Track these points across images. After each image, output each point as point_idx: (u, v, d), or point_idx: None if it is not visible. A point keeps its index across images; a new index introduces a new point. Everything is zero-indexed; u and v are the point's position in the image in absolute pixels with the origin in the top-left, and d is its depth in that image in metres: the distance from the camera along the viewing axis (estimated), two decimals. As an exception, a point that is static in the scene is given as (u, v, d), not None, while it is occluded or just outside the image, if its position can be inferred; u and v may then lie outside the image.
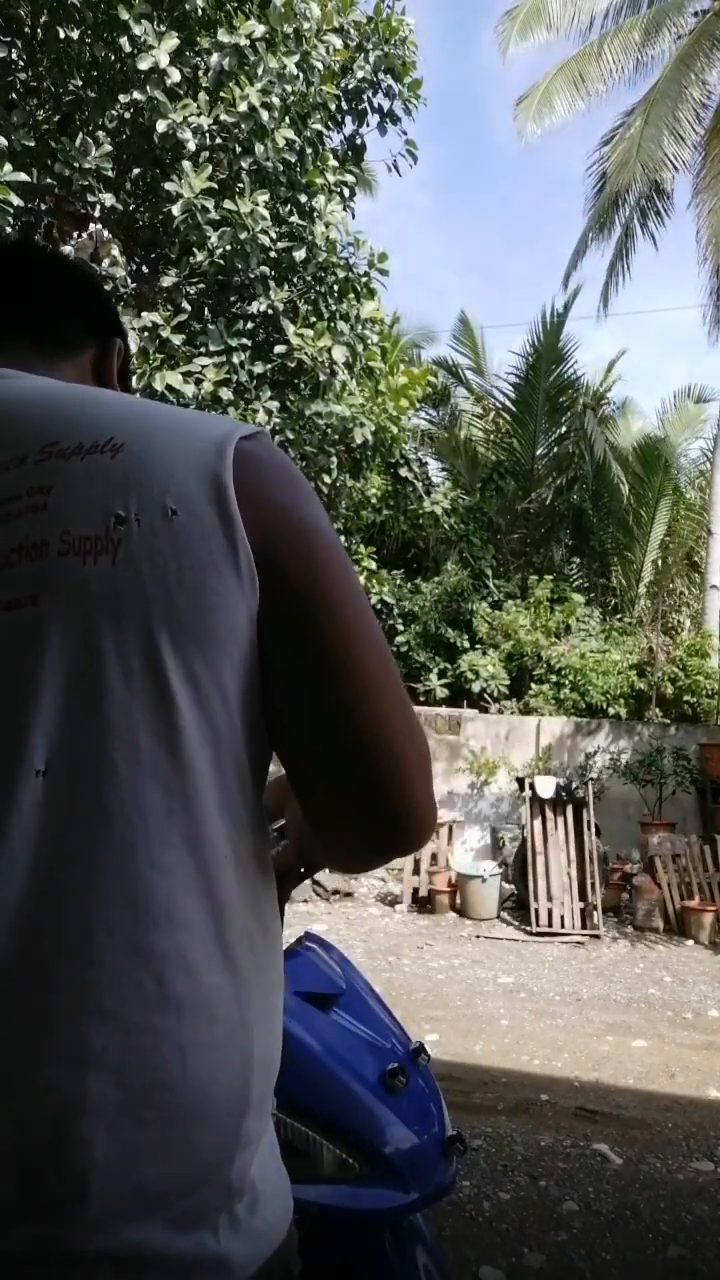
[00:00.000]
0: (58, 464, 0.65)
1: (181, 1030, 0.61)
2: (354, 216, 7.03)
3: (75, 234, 6.36)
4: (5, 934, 0.59)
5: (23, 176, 5.00)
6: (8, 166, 4.91)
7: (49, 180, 5.59)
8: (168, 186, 5.69)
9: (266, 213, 5.82)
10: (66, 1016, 0.59)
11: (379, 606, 10.71)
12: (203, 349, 6.06)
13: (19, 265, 0.86)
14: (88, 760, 0.61)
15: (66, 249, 5.65)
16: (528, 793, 7.74)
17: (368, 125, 7.08)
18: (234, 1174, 0.64)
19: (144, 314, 5.87)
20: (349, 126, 7.10)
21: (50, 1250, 0.58)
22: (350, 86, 6.77)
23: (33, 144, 5.49)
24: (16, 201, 4.99)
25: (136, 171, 6.30)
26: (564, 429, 13.30)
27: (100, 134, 5.79)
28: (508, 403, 13.47)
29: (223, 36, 5.63)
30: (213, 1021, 0.63)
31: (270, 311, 6.35)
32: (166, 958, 0.61)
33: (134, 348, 5.71)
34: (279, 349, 6.36)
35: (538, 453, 13.13)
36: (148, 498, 0.64)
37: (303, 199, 6.36)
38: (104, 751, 0.61)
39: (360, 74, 6.72)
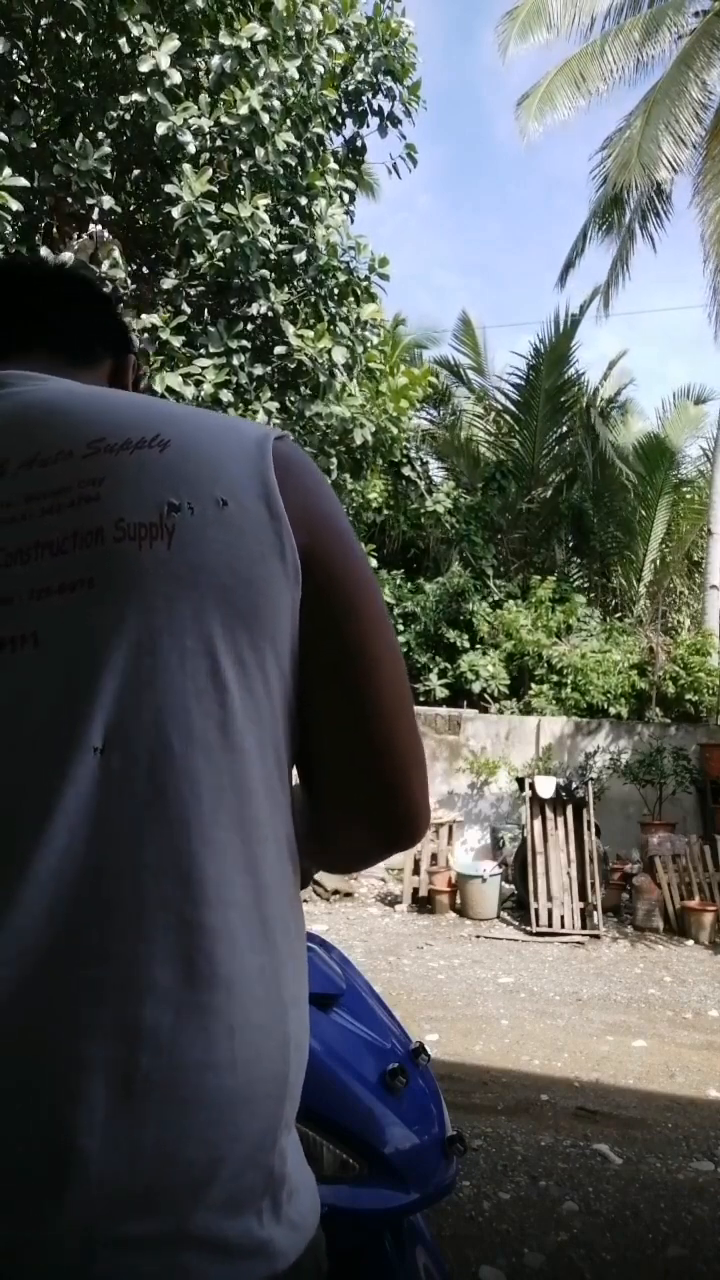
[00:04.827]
0: (107, 458, 0.67)
1: (231, 1010, 0.61)
2: (353, 221, 7.01)
3: (75, 236, 6.37)
4: (58, 908, 0.58)
5: (22, 181, 5.00)
6: (7, 170, 4.92)
7: (50, 183, 5.60)
8: (168, 189, 5.69)
9: (267, 216, 5.82)
10: (116, 991, 0.58)
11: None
12: (203, 351, 6.07)
13: (39, 283, 0.88)
14: (144, 738, 0.62)
15: (67, 252, 5.66)
16: (528, 793, 7.75)
17: (368, 127, 7.08)
18: (275, 1159, 0.64)
19: (144, 316, 5.87)
20: (349, 129, 7.10)
21: (95, 1234, 0.56)
22: (350, 88, 6.76)
23: (33, 145, 5.50)
24: (15, 206, 5.00)
25: (136, 173, 6.30)
26: (565, 428, 13.29)
27: (100, 135, 5.80)
28: (509, 403, 13.46)
29: (224, 39, 5.62)
30: (257, 1002, 0.63)
31: (270, 314, 6.35)
32: (217, 935, 0.61)
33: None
34: (279, 351, 6.36)
35: (540, 452, 13.12)
36: (198, 489, 0.66)
37: (303, 202, 6.36)
38: (160, 730, 0.62)
39: (360, 75, 6.71)
